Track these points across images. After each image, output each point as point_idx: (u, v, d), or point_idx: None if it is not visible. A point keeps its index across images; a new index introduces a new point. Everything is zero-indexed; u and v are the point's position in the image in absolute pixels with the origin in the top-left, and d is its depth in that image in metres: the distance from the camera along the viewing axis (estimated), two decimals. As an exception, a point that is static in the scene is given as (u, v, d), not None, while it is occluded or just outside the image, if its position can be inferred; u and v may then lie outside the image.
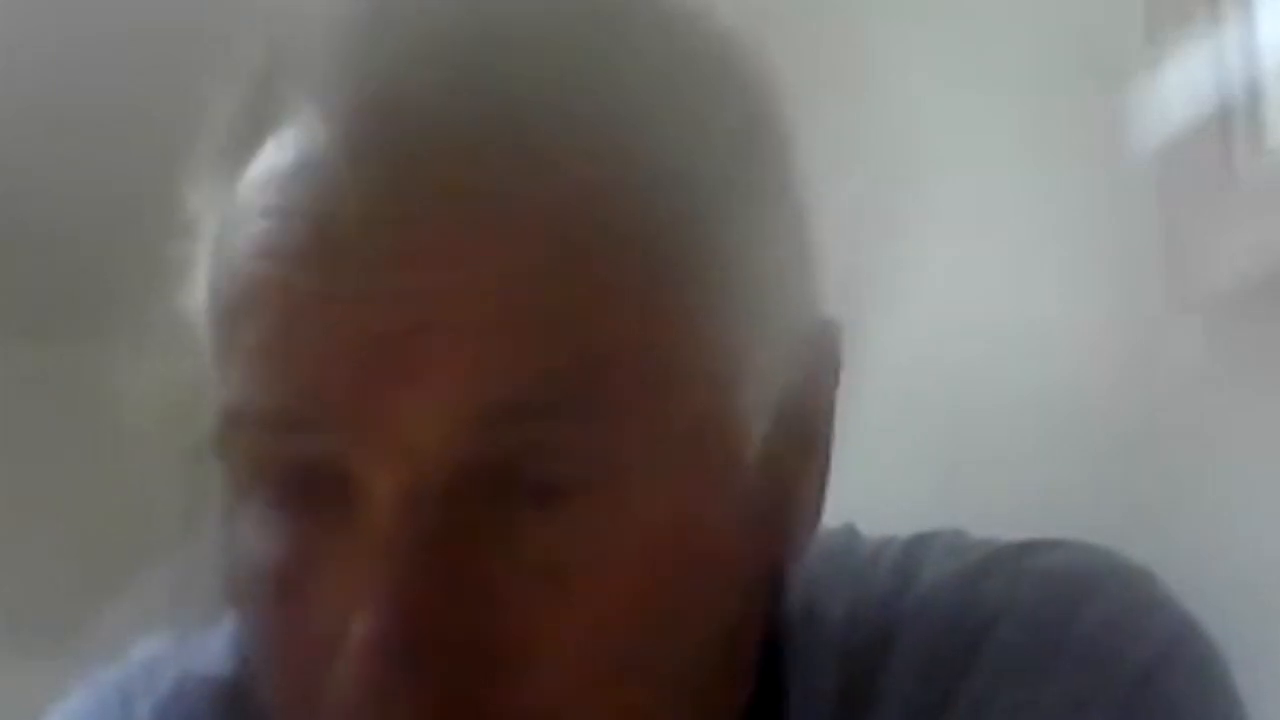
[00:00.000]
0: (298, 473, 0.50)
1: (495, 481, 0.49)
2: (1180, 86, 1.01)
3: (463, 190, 0.48)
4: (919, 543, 0.61)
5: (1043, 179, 1.17)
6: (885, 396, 1.21)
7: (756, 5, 0.56)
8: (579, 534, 0.49)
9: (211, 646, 0.62)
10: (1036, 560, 0.58)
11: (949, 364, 1.25)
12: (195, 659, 0.62)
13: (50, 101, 2.26)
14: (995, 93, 1.22)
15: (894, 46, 1.34)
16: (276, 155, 0.51)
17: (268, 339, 0.49)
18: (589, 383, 0.48)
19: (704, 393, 0.51)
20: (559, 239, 0.49)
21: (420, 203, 0.48)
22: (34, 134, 2.34)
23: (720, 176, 0.52)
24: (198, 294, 0.54)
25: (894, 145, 1.24)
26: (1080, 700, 0.55)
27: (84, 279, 2.56)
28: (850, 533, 0.62)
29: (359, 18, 0.52)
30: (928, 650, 0.57)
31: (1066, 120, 1.15)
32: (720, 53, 0.54)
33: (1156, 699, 0.55)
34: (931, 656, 0.57)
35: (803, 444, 0.55)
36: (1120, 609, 0.56)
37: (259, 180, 0.51)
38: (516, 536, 0.49)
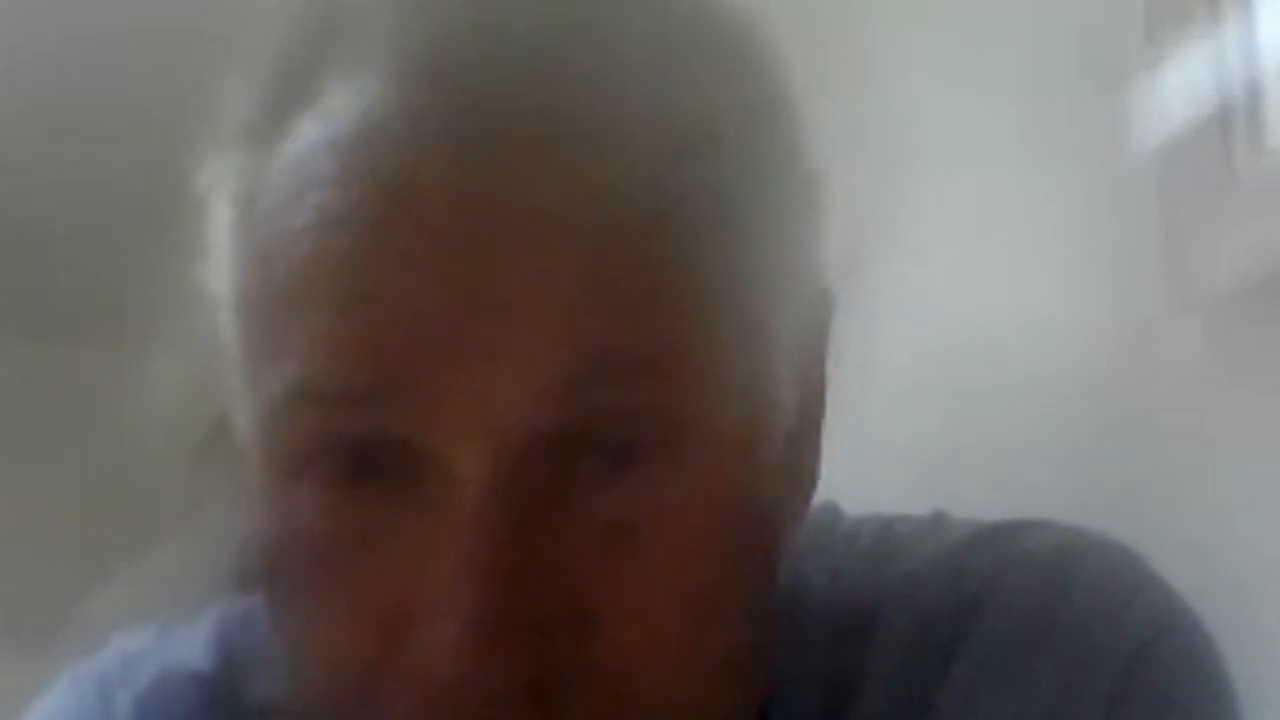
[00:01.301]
0: (361, 449, 0.50)
1: (571, 449, 0.49)
2: (1180, 86, 1.01)
3: (534, 165, 0.48)
4: (897, 522, 0.61)
5: (1043, 179, 1.17)
6: (886, 396, 1.21)
7: (756, 5, 0.56)
8: (650, 493, 0.50)
9: (192, 640, 0.62)
10: (1019, 542, 0.58)
11: (949, 364, 1.25)
12: (176, 652, 0.62)
13: (50, 101, 2.26)
14: (995, 93, 1.22)
15: (894, 46, 1.34)
16: (329, 126, 0.50)
17: (335, 313, 0.49)
18: (654, 349, 0.49)
19: (750, 362, 0.51)
20: (625, 215, 0.49)
21: (493, 174, 0.48)
22: (34, 134, 2.34)
23: (753, 153, 0.52)
24: (218, 276, 0.53)
25: (894, 145, 1.24)
26: (1070, 685, 0.55)
27: (84, 279, 2.57)
28: (832, 509, 0.62)
29: None
30: (913, 633, 0.57)
31: (1066, 120, 1.15)
32: (737, 32, 0.54)
33: (1145, 683, 0.55)
34: (918, 640, 0.57)
35: (806, 414, 0.55)
36: (1106, 592, 0.57)
37: (312, 149, 0.50)
38: (592, 499, 0.49)
